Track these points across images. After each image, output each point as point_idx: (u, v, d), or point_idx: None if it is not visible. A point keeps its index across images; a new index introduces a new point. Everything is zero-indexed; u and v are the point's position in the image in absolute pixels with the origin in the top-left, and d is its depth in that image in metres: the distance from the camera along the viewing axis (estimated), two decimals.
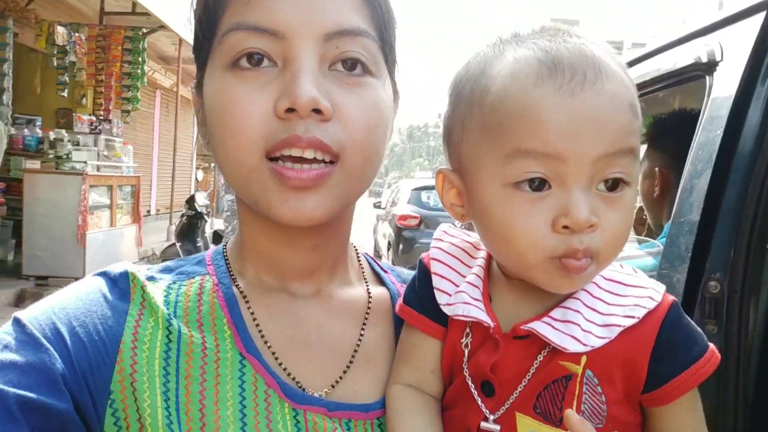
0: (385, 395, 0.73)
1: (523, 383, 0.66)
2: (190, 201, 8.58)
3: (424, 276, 0.76)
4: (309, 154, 0.64)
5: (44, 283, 7.14)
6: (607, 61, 0.64)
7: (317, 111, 0.63)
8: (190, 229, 8.43)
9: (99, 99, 9.50)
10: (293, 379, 0.70)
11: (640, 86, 1.80)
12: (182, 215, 8.68)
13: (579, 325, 0.65)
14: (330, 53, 0.66)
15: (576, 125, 0.60)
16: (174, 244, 8.40)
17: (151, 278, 0.73)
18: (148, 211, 13.44)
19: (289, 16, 0.64)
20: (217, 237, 8.53)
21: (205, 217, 8.68)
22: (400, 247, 10.04)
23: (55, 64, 8.91)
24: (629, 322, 0.64)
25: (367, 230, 15.98)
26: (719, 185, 1.32)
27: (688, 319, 0.68)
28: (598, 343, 0.63)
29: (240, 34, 0.65)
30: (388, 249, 11.38)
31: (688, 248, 1.34)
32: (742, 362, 1.26)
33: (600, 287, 0.69)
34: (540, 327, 0.65)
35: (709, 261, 1.29)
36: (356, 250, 0.87)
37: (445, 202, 0.74)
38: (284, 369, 0.71)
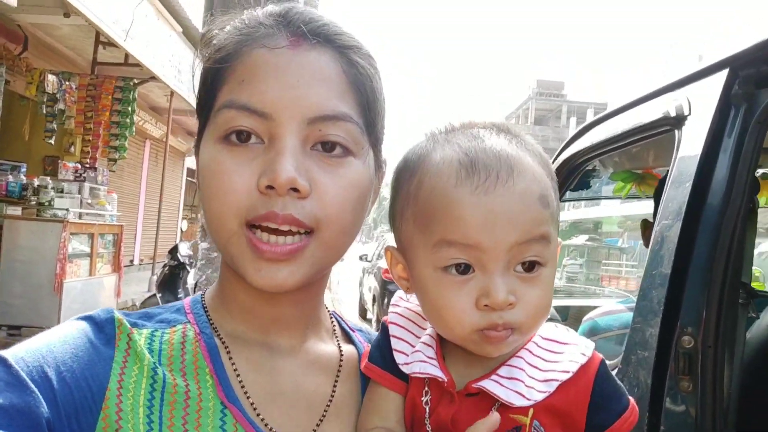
0: None
1: None
2: (173, 251, 8.44)
3: (386, 336, 0.83)
4: (284, 228, 0.70)
5: (17, 333, 6.87)
6: (521, 159, 0.72)
7: (295, 189, 0.69)
8: (171, 280, 8.24)
9: (86, 147, 9.50)
10: (270, 429, 0.73)
11: (613, 140, 1.81)
12: (164, 265, 8.51)
13: (523, 382, 0.72)
14: (312, 135, 0.72)
15: (490, 220, 0.69)
16: (155, 294, 8.21)
17: (134, 324, 0.76)
18: (131, 261, 13.28)
19: (277, 100, 0.70)
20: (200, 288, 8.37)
21: (188, 267, 8.49)
22: (385, 300, 9.93)
23: (44, 111, 8.94)
24: (565, 377, 0.72)
25: (354, 283, 15.83)
26: (689, 237, 1.30)
27: (613, 374, 0.77)
28: (540, 397, 0.71)
29: (232, 111, 0.71)
30: (374, 302, 11.25)
31: (660, 302, 1.31)
32: (718, 423, 1.20)
33: (539, 346, 0.77)
34: (489, 385, 0.72)
35: (682, 315, 1.26)
36: (326, 308, 0.92)
37: (393, 275, 0.82)
38: (262, 419, 0.74)
